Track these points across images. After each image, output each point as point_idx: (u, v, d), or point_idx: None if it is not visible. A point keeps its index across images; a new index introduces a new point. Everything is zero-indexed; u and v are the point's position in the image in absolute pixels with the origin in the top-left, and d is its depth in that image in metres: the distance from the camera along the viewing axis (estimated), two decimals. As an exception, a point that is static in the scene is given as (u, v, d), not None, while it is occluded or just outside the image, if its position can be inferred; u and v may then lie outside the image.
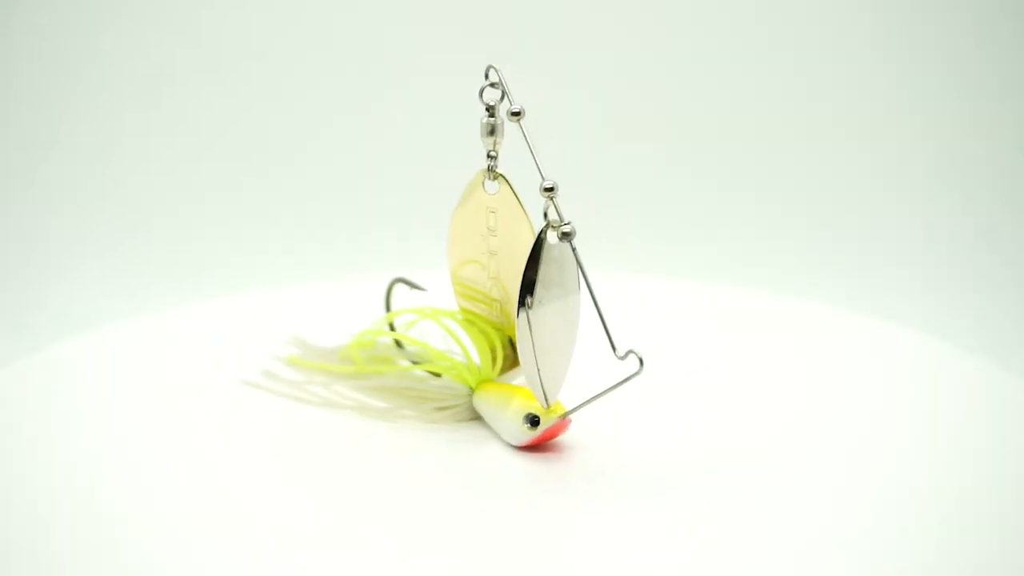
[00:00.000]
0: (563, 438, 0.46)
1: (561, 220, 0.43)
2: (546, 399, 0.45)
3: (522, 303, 0.43)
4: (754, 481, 0.44)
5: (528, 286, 0.43)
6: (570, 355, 0.45)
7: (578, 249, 0.43)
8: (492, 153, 0.45)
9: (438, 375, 0.49)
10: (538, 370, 0.44)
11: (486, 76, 0.44)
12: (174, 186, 0.86)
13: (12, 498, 0.43)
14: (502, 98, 0.44)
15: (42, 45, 0.85)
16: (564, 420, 0.45)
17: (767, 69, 0.88)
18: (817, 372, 0.54)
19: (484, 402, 0.48)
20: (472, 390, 0.48)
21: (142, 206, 0.85)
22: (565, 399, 0.45)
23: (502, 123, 0.45)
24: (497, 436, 0.47)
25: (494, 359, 0.48)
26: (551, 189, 0.43)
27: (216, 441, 0.47)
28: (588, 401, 0.44)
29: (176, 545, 0.40)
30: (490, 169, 0.45)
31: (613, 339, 0.42)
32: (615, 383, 0.43)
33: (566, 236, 0.43)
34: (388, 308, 0.54)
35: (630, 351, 0.42)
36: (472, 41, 0.87)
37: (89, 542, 0.40)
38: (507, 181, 0.45)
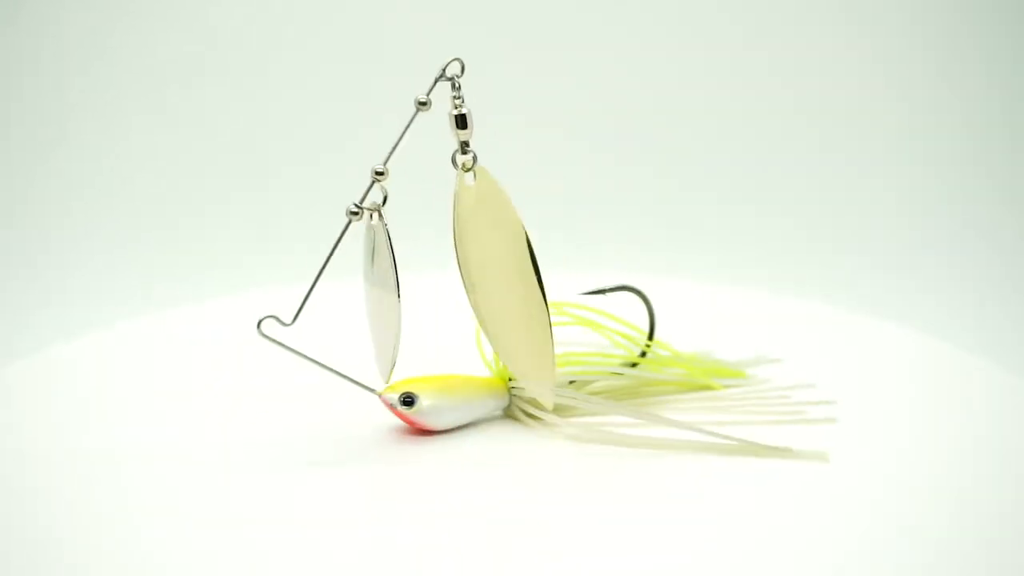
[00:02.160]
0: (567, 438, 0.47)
1: (360, 201, 0.44)
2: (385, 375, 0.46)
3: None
4: (753, 479, 0.44)
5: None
6: (388, 343, 0.45)
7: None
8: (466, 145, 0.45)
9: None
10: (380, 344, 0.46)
11: (463, 70, 0.44)
12: (175, 187, 0.86)
13: (12, 498, 0.43)
14: (455, 88, 0.44)
15: (46, 46, 0.85)
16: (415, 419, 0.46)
17: (768, 70, 0.88)
18: (817, 372, 0.54)
19: None
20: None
21: (142, 206, 0.85)
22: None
23: (470, 112, 0.44)
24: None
25: None
26: (381, 173, 0.44)
27: (216, 441, 0.47)
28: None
29: (176, 545, 0.40)
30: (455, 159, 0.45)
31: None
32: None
33: (352, 215, 0.44)
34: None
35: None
36: (473, 42, 0.87)
37: (89, 542, 0.40)
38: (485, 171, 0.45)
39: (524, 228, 0.44)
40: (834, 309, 0.62)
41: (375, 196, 0.45)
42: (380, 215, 0.44)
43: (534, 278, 0.44)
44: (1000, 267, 0.81)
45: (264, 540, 0.40)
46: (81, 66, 0.85)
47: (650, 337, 0.51)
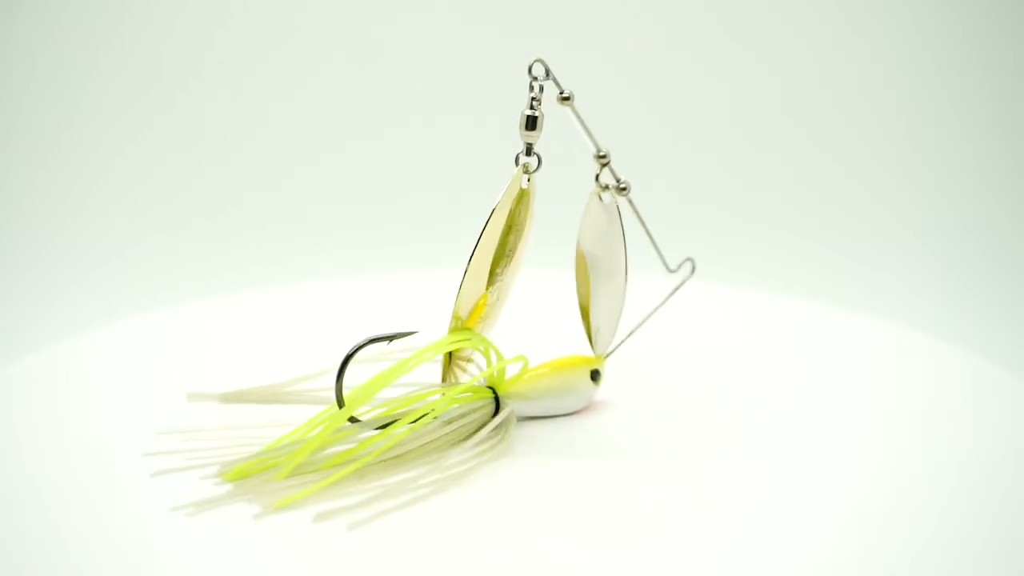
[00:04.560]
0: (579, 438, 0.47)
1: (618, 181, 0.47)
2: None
3: None
4: (752, 478, 0.44)
5: None
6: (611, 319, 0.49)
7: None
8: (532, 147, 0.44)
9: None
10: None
11: (529, 71, 0.44)
12: (177, 188, 0.86)
13: (12, 497, 0.43)
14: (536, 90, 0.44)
15: (49, 50, 0.85)
16: None
17: (773, 73, 0.88)
18: (817, 372, 0.54)
19: (531, 395, 0.48)
20: (497, 396, 0.47)
21: (144, 208, 0.85)
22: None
23: (542, 116, 0.44)
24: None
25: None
26: (605, 156, 0.46)
27: (216, 439, 0.47)
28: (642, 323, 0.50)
29: (177, 541, 0.40)
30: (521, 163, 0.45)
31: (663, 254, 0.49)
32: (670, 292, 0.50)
33: (604, 189, 0.47)
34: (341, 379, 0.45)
35: (687, 259, 0.50)
36: (475, 46, 0.87)
37: (89, 539, 0.40)
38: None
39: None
40: (834, 309, 0.62)
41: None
42: (620, 191, 0.47)
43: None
44: (1000, 267, 0.81)
45: (263, 537, 0.40)
46: (87, 67, 0.86)
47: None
